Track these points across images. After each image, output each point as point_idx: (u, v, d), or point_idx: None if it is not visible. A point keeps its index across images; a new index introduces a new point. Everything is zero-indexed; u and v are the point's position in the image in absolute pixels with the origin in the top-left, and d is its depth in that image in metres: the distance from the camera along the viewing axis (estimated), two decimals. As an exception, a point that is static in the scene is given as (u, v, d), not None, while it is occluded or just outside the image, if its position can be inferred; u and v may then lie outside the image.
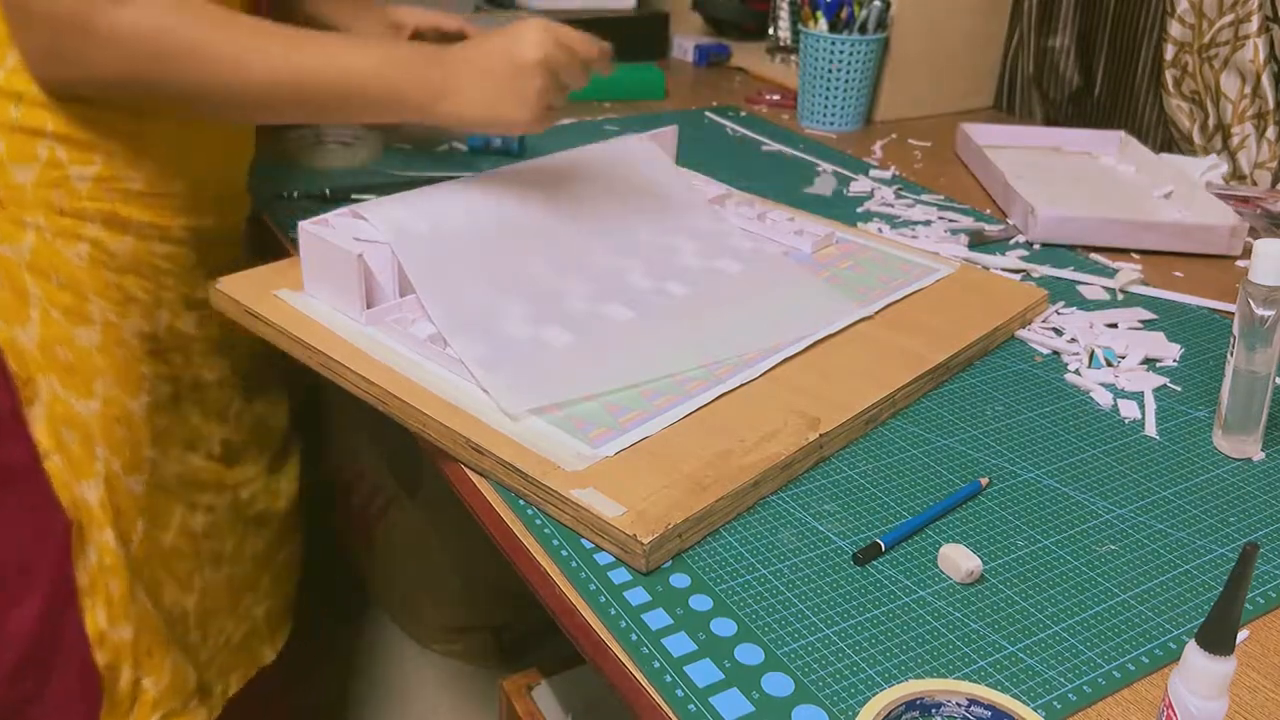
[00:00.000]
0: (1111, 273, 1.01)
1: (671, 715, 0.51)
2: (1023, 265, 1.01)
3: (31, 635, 0.84)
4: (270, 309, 0.82)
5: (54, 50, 0.74)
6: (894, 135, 1.44)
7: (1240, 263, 1.05)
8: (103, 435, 0.84)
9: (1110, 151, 1.32)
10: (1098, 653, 0.56)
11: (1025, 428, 0.76)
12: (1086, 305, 0.95)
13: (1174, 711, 0.45)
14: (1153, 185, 1.19)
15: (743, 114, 1.51)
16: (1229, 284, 1.00)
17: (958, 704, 0.50)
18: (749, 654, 0.55)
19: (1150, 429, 0.77)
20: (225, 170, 0.96)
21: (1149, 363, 0.86)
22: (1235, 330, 0.71)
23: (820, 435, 0.70)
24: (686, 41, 1.80)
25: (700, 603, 0.58)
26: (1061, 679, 0.54)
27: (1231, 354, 0.72)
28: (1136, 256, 1.06)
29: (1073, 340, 0.88)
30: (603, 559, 0.61)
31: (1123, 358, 0.85)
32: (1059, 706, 0.53)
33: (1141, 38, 1.38)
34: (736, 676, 0.53)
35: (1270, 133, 1.22)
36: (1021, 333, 0.89)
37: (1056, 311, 0.93)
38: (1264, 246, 0.68)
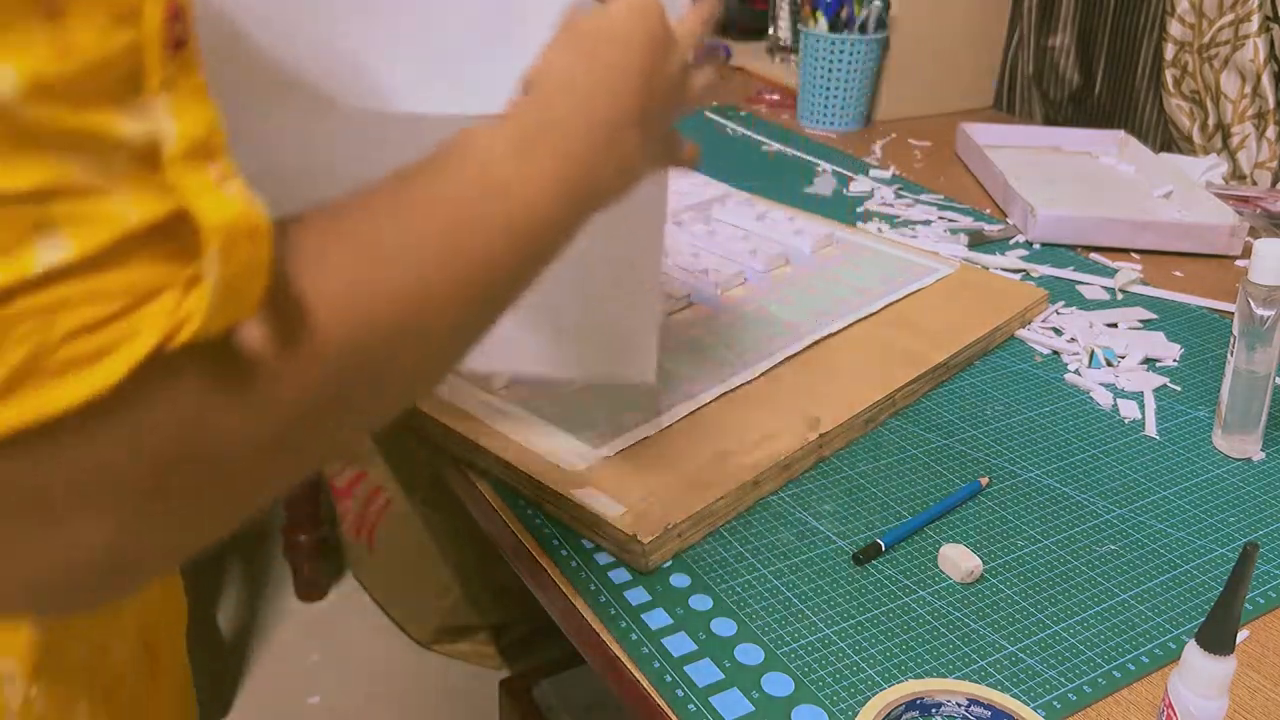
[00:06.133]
0: (1111, 272, 1.01)
1: (671, 715, 0.51)
2: (1022, 265, 1.01)
3: None
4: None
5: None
6: (894, 135, 1.44)
7: (1240, 262, 1.05)
8: None
9: (1110, 151, 1.32)
10: (1098, 653, 0.56)
11: (1025, 428, 0.76)
12: (1086, 305, 0.95)
13: (1174, 711, 0.45)
14: (1152, 185, 1.19)
15: (742, 114, 1.50)
16: (1229, 284, 1.00)
17: (958, 704, 0.50)
18: (749, 654, 0.55)
19: (1150, 429, 0.77)
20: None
21: (1149, 362, 0.86)
22: (1235, 330, 0.71)
23: (820, 435, 0.70)
24: (686, 41, 1.80)
25: (700, 603, 0.58)
26: (1061, 679, 0.54)
27: (1231, 354, 0.72)
28: (1136, 256, 1.06)
29: (1072, 340, 0.88)
30: (603, 559, 0.61)
31: (1122, 358, 0.85)
32: (1059, 706, 0.53)
33: (1141, 37, 1.38)
34: (736, 676, 0.53)
35: (1270, 133, 1.22)
36: (1021, 332, 0.89)
37: (1056, 311, 0.93)
38: (1264, 246, 0.68)
